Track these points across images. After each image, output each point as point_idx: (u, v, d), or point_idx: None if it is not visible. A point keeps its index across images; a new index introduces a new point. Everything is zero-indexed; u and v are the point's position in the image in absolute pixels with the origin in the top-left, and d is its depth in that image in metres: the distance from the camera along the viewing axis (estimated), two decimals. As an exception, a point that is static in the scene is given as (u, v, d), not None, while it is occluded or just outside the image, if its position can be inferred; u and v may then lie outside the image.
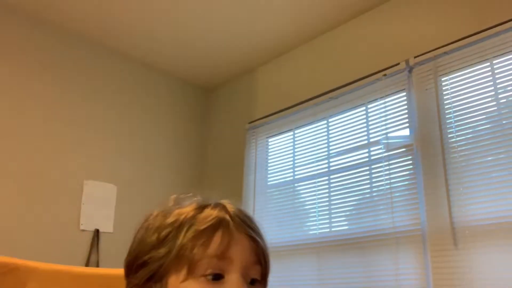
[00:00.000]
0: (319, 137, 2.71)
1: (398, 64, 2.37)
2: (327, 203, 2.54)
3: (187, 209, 0.67)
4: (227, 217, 0.66)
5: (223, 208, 0.67)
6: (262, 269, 0.67)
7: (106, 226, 2.83)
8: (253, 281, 0.65)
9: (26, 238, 2.50)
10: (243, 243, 0.65)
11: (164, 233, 0.65)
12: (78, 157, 2.82)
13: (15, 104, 2.63)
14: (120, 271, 1.02)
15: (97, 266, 2.71)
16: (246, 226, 0.67)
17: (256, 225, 0.70)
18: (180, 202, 0.70)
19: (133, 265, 0.66)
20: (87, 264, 2.67)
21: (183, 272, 0.61)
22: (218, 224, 0.64)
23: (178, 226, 0.65)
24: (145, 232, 0.68)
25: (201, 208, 0.67)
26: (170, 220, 0.66)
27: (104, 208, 2.85)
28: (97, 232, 2.77)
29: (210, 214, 0.65)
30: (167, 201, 0.71)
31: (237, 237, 0.65)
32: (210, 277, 0.61)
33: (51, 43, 2.84)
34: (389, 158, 2.31)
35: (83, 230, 2.74)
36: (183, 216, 0.65)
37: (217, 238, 0.63)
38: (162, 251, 0.63)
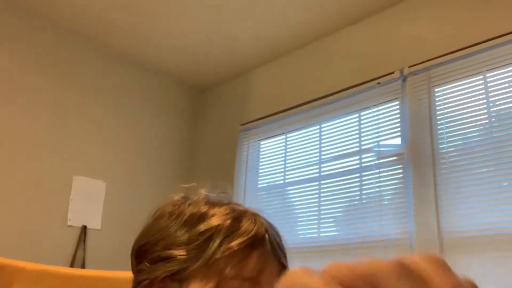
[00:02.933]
0: (311, 142, 2.72)
1: (392, 73, 2.38)
2: (316, 208, 2.54)
3: (221, 215, 0.61)
4: (266, 236, 0.61)
5: (261, 223, 0.62)
6: None
7: (94, 223, 2.81)
8: None
9: (13, 231, 2.48)
10: (275, 270, 0.60)
11: (195, 235, 0.59)
12: (68, 152, 2.80)
13: (4, 99, 2.60)
14: (108, 273, 1.01)
15: (83, 262, 2.69)
16: (279, 250, 0.62)
17: (285, 246, 0.65)
18: (209, 198, 0.65)
19: (147, 253, 0.61)
20: (73, 260, 2.65)
21: (211, 284, 0.56)
22: (256, 244, 0.59)
23: (212, 234, 0.59)
24: (168, 218, 0.62)
25: (237, 218, 0.61)
26: (202, 223, 0.60)
27: (92, 204, 2.84)
28: (84, 228, 2.75)
29: (248, 229, 0.60)
30: (192, 189, 0.66)
31: (271, 261, 0.60)
32: None
33: (45, 39, 2.82)
34: (379, 166, 2.32)
35: (70, 226, 2.71)
36: (217, 224, 0.59)
37: (252, 260, 0.58)
38: (191, 254, 0.58)
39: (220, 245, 0.57)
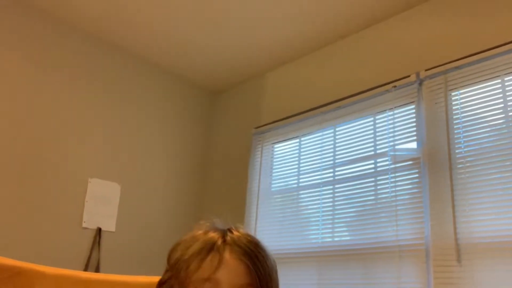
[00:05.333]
0: (325, 146, 2.70)
1: (408, 76, 2.36)
2: (331, 213, 2.53)
3: (197, 233, 0.73)
4: (220, 241, 0.69)
5: (222, 231, 0.72)
6: None
7: (109, 225, 2.83)
8: None
9: (28, 233, 2.51)
10: (233, 265, 0.68)
11: (175, 255, 0.72)
12: (83, 155, 2.82)
13: (21, 101, 2.63)
14: (126, 277, 1.01)
15: (98, 264, 2.71)
16: (242, 251, 0.69)
17: (258, 250, 0.71)
18: (210, 227, 0.76)
19: (160, 282, 0.74)
20: (88, 262, 2.67)
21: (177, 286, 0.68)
22: (211, 247, 0.69)
23: (183, 249, 0.71)
24: (175, 246, 0.75)
25: (207, 231, 0.73)
26: (182, 242, 0.73)
27: (107, 206, 2.86)
28: (99, 230, 2.77)
29: (210, 237, 0.71)
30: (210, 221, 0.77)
31: (227, 259, 0.68)
32: None
33: (61, 40, 2.85)
34: (395, 170, 2.30)
35: (85, 228, 2.74)
36: (192, 240, 0.72)
37: (207, 261, 0.67)
38: (172, 271, 0.70)
39: (185, 254, 0.70)
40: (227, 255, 0.68)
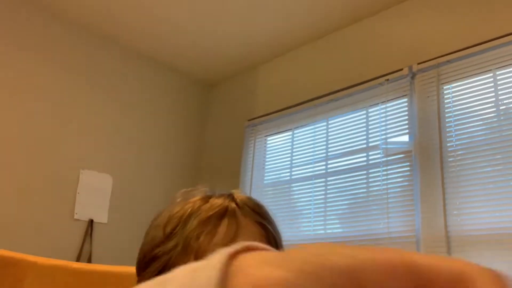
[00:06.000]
0: (318, 138, 2.71)
1: (401, 69, 2.37)
2: (323, 205, 2.54)
3: (193, 200, 0.66)
4: (233, 204, 0.64)
5: (229, 196, 0.66)
6: None
7: (101, 217, 2.83)
8: None
9: (20, 224, 2.50)
10: (252, 229, 0.64)
11: (170, 226, 0.63)
12: (75, 146, 2.81)
13: (13, 94, 2.61)
14: (117, 268, 1.02)
15: (90, 256, 2.71)
16: (255, 213, 0.66)
17: (266, 212, 0.68)
18: (187, 196, 0.69)
19: (143, 262, 0.65)
20: (79, 254, 2.67)
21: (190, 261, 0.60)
22: (224, 212, 0.63)
23: (185, 218, 0.63)
24: (154, 230, 0.67)
25: (206, 198, 0.66)
26: (176, 213, 0.65)
27: (99, 198, 2.85)
28: (91, 222, 2.77)
29: (215, 202, 0.64)
30: (175, 197, 0.70)
31: (245, 224, 0.63)
32: None
33: (56, 35, 2.82)
34: (387, 163, 2.32)
35: (77, 220, 2.73)
36: (189, 208, 0.64)
37: (223, 226, 0.61)
38: (170, 244, 0.62)
39: (192, 222, 0.62)
40: (242, 219, 0.64)
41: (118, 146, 3.01)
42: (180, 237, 0.61)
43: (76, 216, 2.73)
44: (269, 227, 0.66)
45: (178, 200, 0.69)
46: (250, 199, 0.68)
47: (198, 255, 0.59)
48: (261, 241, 0.63)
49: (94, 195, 2.82)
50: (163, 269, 0.61)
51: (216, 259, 0.20)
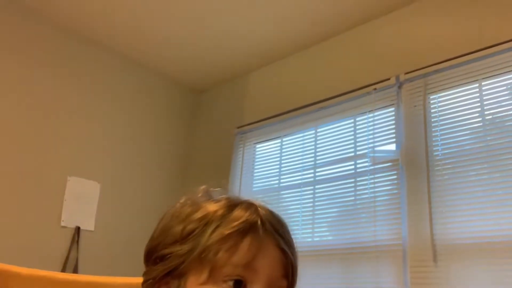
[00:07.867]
0: (306, 147, 2.72)
1: (388, 79, 2.39)
2: (311, 213, 2.55)
3: (217, 206, 0.62)
4: (258, 222, 0.61)
5: (255, 210, 0.62)
6: (288, 283, 0.63)
7: (88, 224, 2.80)
8: None
9: (5, 232, 2.46)
10: (272, 254, 0.61)
11: (189, 228, 0.61)
12: (62, 153, 2.78)
13: None
14: (102, 278, 1.01)
15: (76, 263, 2.68)
16: (278, 235, 0.62)
17: (289, 234, 0.65)
18: (210, 195, 0.66)
19: (153, 255, 0.63)
20: (66, 261, 2.64)
21: (204, 275, 0.58)
22: (248, 229, 0.59)
23: (205, 224, 0.60)
24: (170, 220, 0.64)
25: (231, 207, 0.62)
26: (197, 215, 0.62)
27: (86, 205, 2.82)
28: (78, 229, 2.74)
29: (240, 216, 0.60)
30: (196, 191, 0.67)
31: (266, 246, 0.60)
32: (231, 283, 0.57)
33: (44, 38, 2.80)
34: (374, 171, 2.33)
35: (64, 227, 2.70)
36: (211, 214, 0.61)
37: (244, 245, 0.58)
38: (185, 247, 0.59)
39: (212, 232, 0.59)
40: (264, 238, 0.60)
41: (106, 153, 2.99)
42: (197, 244, 0.59)
43: (63, 223, 2.70)
44: (290, 253, 0.63)
45: (199, 195, 0.66)
46: (272, 214, 0.65)
47: (214, 270, 0.57)
48: (278, 267, 0.61)
49: (81, 202, 2.80)
50: (173, 270, 0.60)
51: None
